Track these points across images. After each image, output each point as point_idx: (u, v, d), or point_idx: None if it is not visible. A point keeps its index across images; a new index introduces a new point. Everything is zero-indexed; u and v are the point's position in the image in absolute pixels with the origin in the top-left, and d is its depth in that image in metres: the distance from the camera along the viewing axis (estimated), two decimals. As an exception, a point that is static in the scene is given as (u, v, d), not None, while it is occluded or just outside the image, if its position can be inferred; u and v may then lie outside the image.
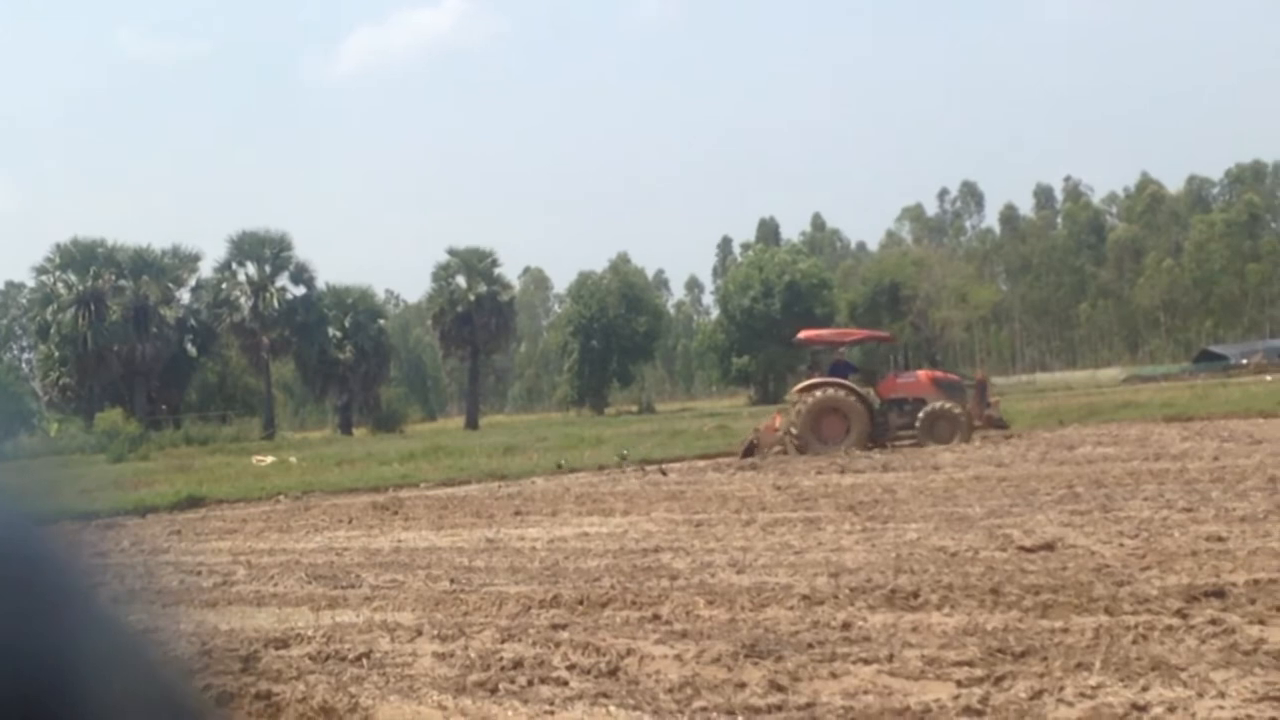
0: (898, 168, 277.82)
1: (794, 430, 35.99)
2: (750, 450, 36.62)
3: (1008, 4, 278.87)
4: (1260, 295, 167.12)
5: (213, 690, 8.14)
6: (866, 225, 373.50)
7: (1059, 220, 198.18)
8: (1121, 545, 13.33)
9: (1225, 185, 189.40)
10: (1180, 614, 9.61)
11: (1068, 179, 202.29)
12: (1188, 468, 21.86)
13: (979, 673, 8.40)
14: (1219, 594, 10.22)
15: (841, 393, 36.14)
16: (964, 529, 15.64)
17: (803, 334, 42.36)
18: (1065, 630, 9.46)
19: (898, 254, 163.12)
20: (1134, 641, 8.96)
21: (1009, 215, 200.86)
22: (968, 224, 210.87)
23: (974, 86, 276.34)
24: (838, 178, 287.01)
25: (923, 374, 37.56)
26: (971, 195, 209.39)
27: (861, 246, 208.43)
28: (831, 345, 40.23)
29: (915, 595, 11.15)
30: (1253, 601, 9.88)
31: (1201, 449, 25.98)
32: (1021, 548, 13.52)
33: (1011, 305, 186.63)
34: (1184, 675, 7.96)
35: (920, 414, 35.77)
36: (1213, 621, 9.28)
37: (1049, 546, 13.48)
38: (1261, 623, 9.23)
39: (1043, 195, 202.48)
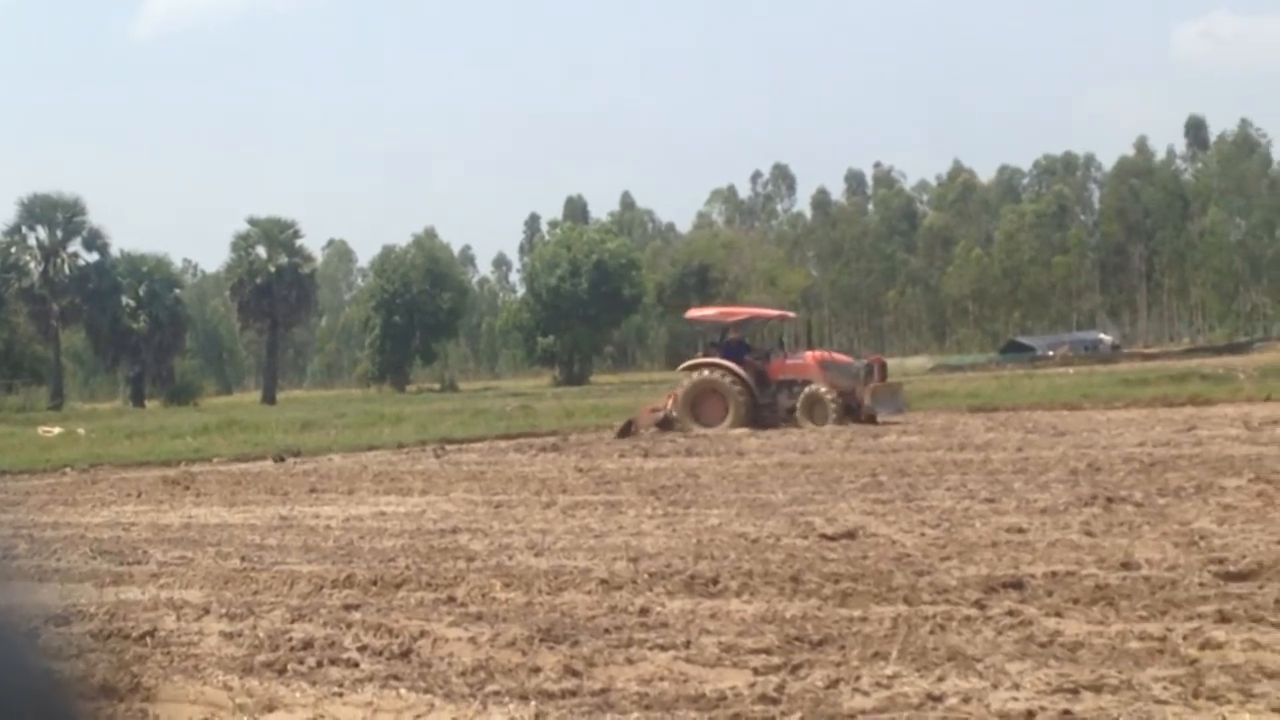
0: (711, 149, 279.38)
1: (673, 411, 35.96)
2: (627, 429, 36.36)
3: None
4: (1067, 287, 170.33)
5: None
6: (678, 206, 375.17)
7: (870, 206, 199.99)
8: (923, 535, 13.35)
9: (1035, 176, 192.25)
10: (978, 605, 9.60)
11: (877, 165, 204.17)
12: (991, 458, 22.01)
13: (776, 661, 8.33)
14: (1017, 585, 10.23)
15: (719, 374, 35.82)
16: (766, 516, 15.59)
17: (690, 312, 42.68)
18: (864, 619, 9.40)
19: (708, 236, 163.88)
20: (931, 631, 8.93)
21: (821, 200, 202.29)
22: (779, 207, 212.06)
23: (788, 69, 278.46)
24: (649, 158, 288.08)
25: (810, 355, 36.89)
26: (784, 178, 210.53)
27: (671, 228, 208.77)
28: (715, 324, 39.93)
29: (715, 582, 11.05)
30: (1050, 594, 9.90)
31: (1005, 440, 26.21)
32: (823, 535, 13.48)
33: (821, 291, 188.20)
34: (980, 666, 7.94)
35: (800, 396, 35.17)
36: (1010, 613, 9.28)
37: (850, 535, 13.46)
38: (1058, 615, 9.24)
39: (854, 180, 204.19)
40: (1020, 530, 13.28)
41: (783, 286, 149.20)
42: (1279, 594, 9.50)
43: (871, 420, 34.03)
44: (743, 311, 42.22)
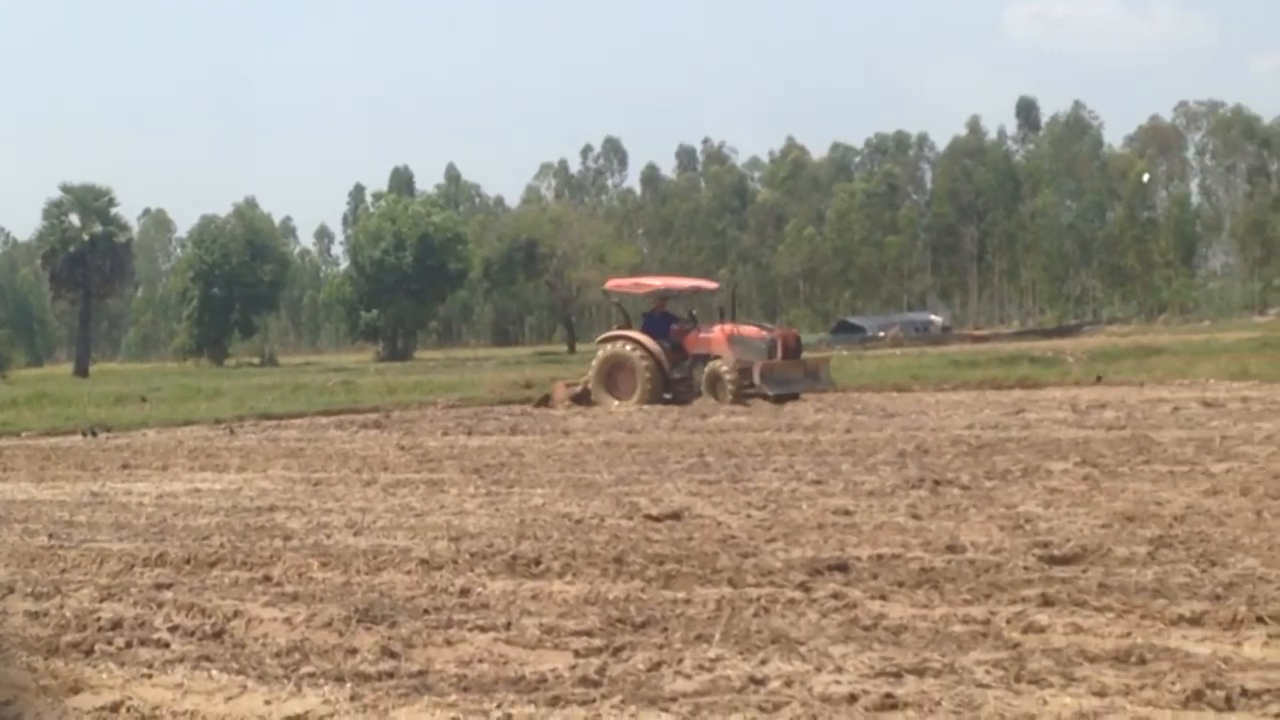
0: (541, 122, 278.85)
1: (588, 383, 35.68)
2: (544, 402, 36.28)
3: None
4: (899, 268, 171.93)
5: None
6: (507, 180, 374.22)
7: (702, 183, 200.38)
8: (749, 516, 13.29)
9: (867, 155, 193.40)
10: (803, 587, 9.56)
11: (708, 141, 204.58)
12: (819, 440, 22.03)
13: (598, 643, 8.25)
14: (842, 568, 10.20)
15: (628, 347, 35.31)
16: (591, 496, 15.48)
17: (609, 282, 41.94)
18: (687, 601, 9.33)
19: (536, 210, 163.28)
20: (755, 614, 8.88)
21: (651, 175, 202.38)
22: (610, 183, 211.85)
23: (620, 42, 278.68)
24: (478, 130, 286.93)
25: (720, 329, 35.63)
26: (615, 153, 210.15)
27: (500, 201, 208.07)
28: (630, 295, 39.74)
29: (537, 562, 10.94)
30: (875, 576, 9.87)
31: (834, 421, 26.26)
32: (648, 516, 13.39)
33: (651, 268, 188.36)
34: (803, 649, 7.89)
35: (705, 371, 34.57)
36: (835, 595, 9.24)
37: (676, 516, 13.37)
38: (883, 598, 9.21)
39: (685, 156, 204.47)
40: (847, 512, 13.25)
41: (612, 263, 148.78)
42: (1102, 578, 9.53)
43: (763, 398, 33.16)
44: (655, 282, 41.04)
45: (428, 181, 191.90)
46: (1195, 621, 8.25)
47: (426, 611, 9.31)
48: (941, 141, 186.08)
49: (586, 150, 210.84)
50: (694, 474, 17.52)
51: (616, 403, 34.52)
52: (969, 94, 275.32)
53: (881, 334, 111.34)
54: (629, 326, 36.81)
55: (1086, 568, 10.01)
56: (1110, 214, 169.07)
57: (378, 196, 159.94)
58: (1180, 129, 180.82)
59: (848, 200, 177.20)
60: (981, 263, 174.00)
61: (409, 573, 10.86)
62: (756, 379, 33.54)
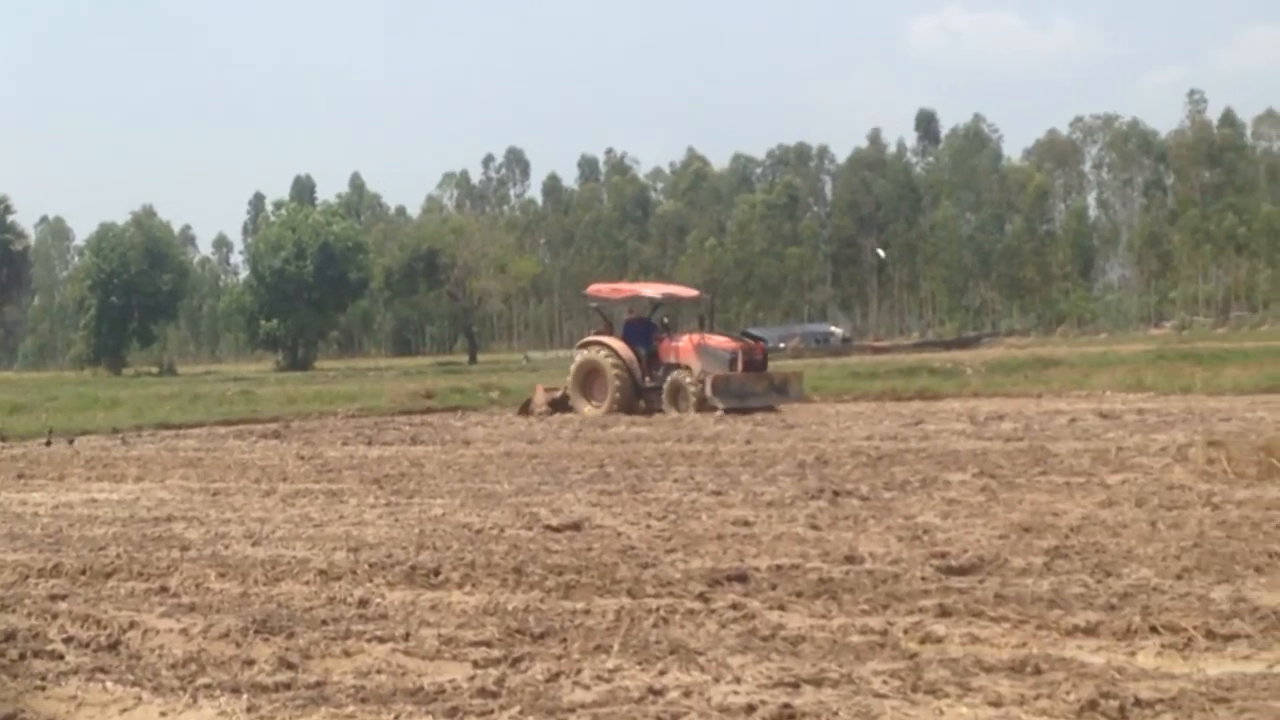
0: (444, 132, 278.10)
1: (566, 389, 35.62)
2: (526, 406, 36.21)
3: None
4: (799, 279, 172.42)
5: None
6: (409, 190, 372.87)
7: (604, 193, 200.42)
8: (648, 527, 13.31)
9: (769, 166, 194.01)
10: (702, 598, 9.57)
11: (609, 151, 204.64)
12: (720, 450, 22.10)
13: (496, 653, 8.23)
14: (741, 578, 10.22)
15: (601, 354, 35.20)
16: (491, 506, 15.45)
17: (590, 288, 41.24)
18: (587, 612, 9.33)
19: (437, 220, 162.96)
20: (654, 625, 8.89)
21: (553, 186, 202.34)
22: (512, 193, 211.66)
23: (522, 52, 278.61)
24: (381, 140, 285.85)
25: (689, 338, 35.30)
26: (517, 163, 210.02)
27: (402, 211, 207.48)
28: (609, 300, 39.44)
29: (436, 573, 10.92)
30: (774, 587, 9.91)
31: (734, 432, 26.33)
32: (548, 527, 13.39)
33: (552, 278, 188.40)
34: (702, 660, 7.88)
35: (666, 381, 34.40)
36: (734, 606, 9.26)
37: (576, 526, 13.37)
38: (781, 608, 9.25)
39: (587, 167, 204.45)
40: (746, 523, 13.29)
41: (513, 273, 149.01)
42: (998, 588, 9.60)
43: (714, 410, 32.35)
44: (626, 290, 41.01)
45: (330, 190, 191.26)
46: (1090, 632, 8.33)
47: (324, 622, 9.25)
48: (842, 153, 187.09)
49: (488, 160, 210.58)
50: (594, 484, 17.51)
51: (589, 408, 34.54)
52: (870, 106, 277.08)
53: (782, 345, 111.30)
54: (609, 332, 36.79)
55: (983, 578, 10.08)
56: (1009, 226, 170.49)
57: (279, 205, 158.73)
58: (1078, 143, 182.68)
59: (749, 211, 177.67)
60: (881, 274, 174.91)
61: (307, 583, 10.81)
62: (708, 390, 33.12)
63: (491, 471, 19.91)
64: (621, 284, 45.88)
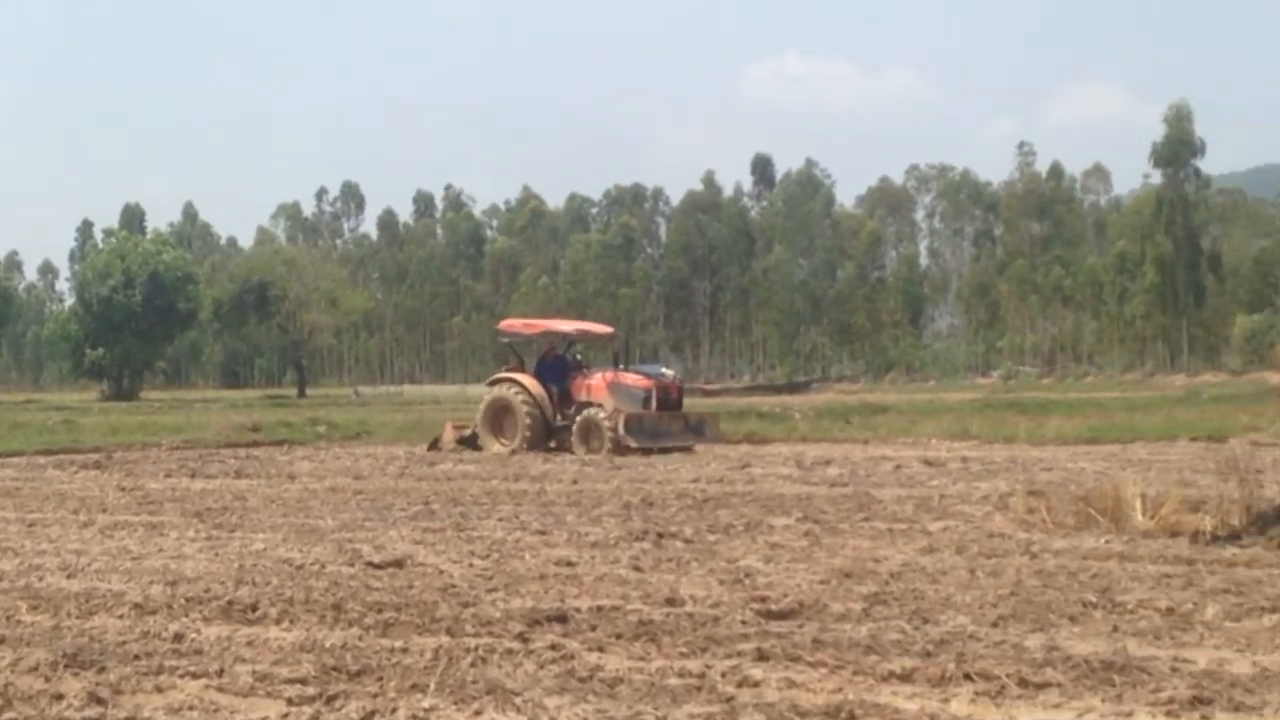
0: (278, 164, 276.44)
1: (475, 427, 34.74)
2: (435, 443, 35.34)
3: (394, 10, 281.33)
4: (632, 320, 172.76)
5: None
6: (241, 221, 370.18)
7: (439, 229, 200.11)
8: (471, 565, 13.24)
9: (604, 206, 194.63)
10: (521, 638, 9.53)
11: (448, 187, 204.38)
12: (546, 489, 22.04)
13: (311, 691, 8.13)
14: (561, 619, 10.18)
15: (512, 391, 34.36)
16: (313, 542, 15.30)
17: (502, 323, 40.39)
18: (405, 650, 9.25)
19: (269, 252, 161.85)
20: (473, 664, 8.82)
21: (388, 220, 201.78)
22: (346, 226, 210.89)
23: (356, 86, 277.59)
24: (213, 169, 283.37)
25: (602, 376, 34.62)
26: (352, 197, 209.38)
27: (233, 242, 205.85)
28: (521, 336, 38.46)
29: (254, 608, 10.79)
30: (594, 628, 9.88)
31: (561, 472, 26.28)
32: (370, 564, 13.28)
33: (384, 313, 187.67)
34: (518, 700, 7.86)
35: (577, 420, 33.50)
36: (553, 646, 9.22)
37: (398, 564, 13.27)
38: (600, 649, 9.22)
39: (423, 202, 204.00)
40: (569, 563, 13.26)
41: (344, 307, 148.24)
42: (817, 633, 9.64)
43: (628, 450, 31.70)
44: (540, 325, 39.69)
45: (162, 219, 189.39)
46: (905, 678, 8.38)
47: (137, 657, 9.10)
48: (677, 195, 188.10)
49: (321, 193, 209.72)
50: (419, 522, 17.41)
51: (499, 446, 33.75)
52: (706, 149, 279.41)
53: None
54: (521, 369, 36.02)
55: (803, 623, 10.12)
56: (841, 272, 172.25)
57: (108, 233, 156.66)
58: (910, 191, 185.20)
59: (583, 251, 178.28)
60: (714, 317, 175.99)
61: (121, 617, 10.62)
62: (620, 429, 32.36)
63: (316, 507, 19.73)
64: (534, 320, 45.18)
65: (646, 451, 31.65)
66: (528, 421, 33.74)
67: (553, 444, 33.97)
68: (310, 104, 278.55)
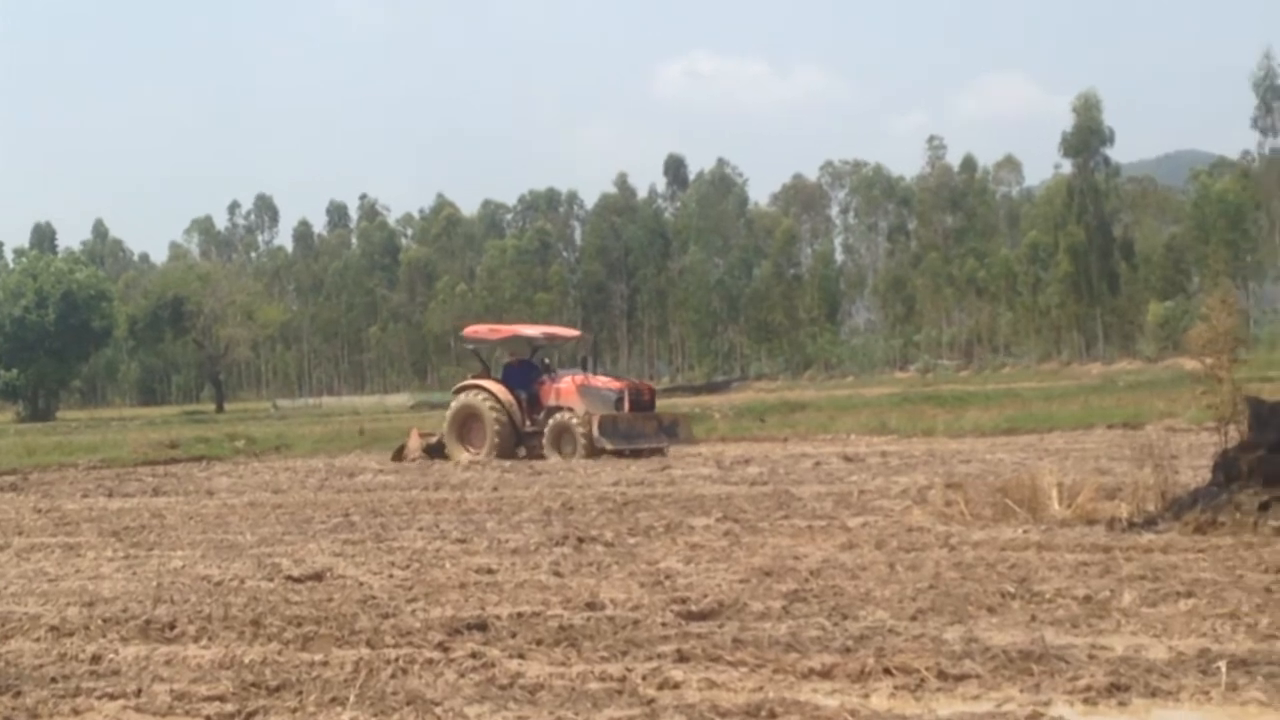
0: (190, 178, 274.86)
1: (442, 435, 34.19)
2: (400, 452, 34.75)
3: (302, 14, 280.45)
4: (549, 324, 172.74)
5: None
6: (154, 236, 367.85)
7: (354, 239, 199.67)
8: (391, 576, 13.18)
9: (519, 211, 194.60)
10: (441, 647, 9.49)
11: (364, 197, 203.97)
12: (466, 497, 21.98)
13: (230, 708, 8.12)
14: (482, 627, 10.16)
15: (479, 397, 33.75)
16: (232, 557, 15.18)
17: (466, 329, 39.37)
18: (325, 663, 9.21)
19: (183, 267, 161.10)
20: (393, 675, 8.80)
21: (303, 232, 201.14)
22: (261, 239, 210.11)
23: (267, 98, 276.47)
24: (123, 185, 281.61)
25: (572, 379, 34.09)
26: (266, 210, 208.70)
27: (146, 258, 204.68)
28: (486, 341, 37.81)
29: (172, 626, 10.71)
30: (514, 635, 9.87)
31: (482, 479, 26.20)
32: (289, 577, 13.21)
33: (301, 325, 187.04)
34: (439, 709, 7.86)
35: (548, 425, 33.00)
36: (473, 655, 9.19)
37: (318, 577, 13.21)
38: (521, 656, 9.21)
39: (337, 213, 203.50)
40: (489, 571, 13.23)
41: (260, 321, 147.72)
42: (737, 633, 9.67)
43: (603, 453, 31.53)
44: (506, 330, 38.92)
45: (72, 237, 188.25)
46: (825, 674, 8.41)
47: (54, 680, 9.02)
48: (591, 199, 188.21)
49: (234, 207, 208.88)
50: (338, 534, 17.31)
51: (467, 455, 33.25)
52: (619, 151, 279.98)
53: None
54: (486, 375, 35.46)
55: (723, 623, 10.13)
56: (757, 271, 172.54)
57: (19, 253, 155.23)
58: (825, 187, 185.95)
59: (499, 257, 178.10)
60: (631, 319, 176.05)
61: (38, 640, 10.51)
62: (594, 431, 31.92)
63: (235, 522, 19.59)
64: (499, 325, 44.46)
65: (621, 454, 31.40)
66: (496, 428, 33.30)
67: (522, 451, 33.57)
68: (220, 117, 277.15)
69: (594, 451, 31.65)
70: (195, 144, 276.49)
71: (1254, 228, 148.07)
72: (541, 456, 32.42)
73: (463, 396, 34.44)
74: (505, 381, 34.55)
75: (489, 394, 33.83)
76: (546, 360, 36.73)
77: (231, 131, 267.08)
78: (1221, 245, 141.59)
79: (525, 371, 34.96)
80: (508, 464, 31.08)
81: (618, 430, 32.50)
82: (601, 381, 34.46)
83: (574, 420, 32.54)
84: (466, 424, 34.10)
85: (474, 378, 35.73)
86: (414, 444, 34.91)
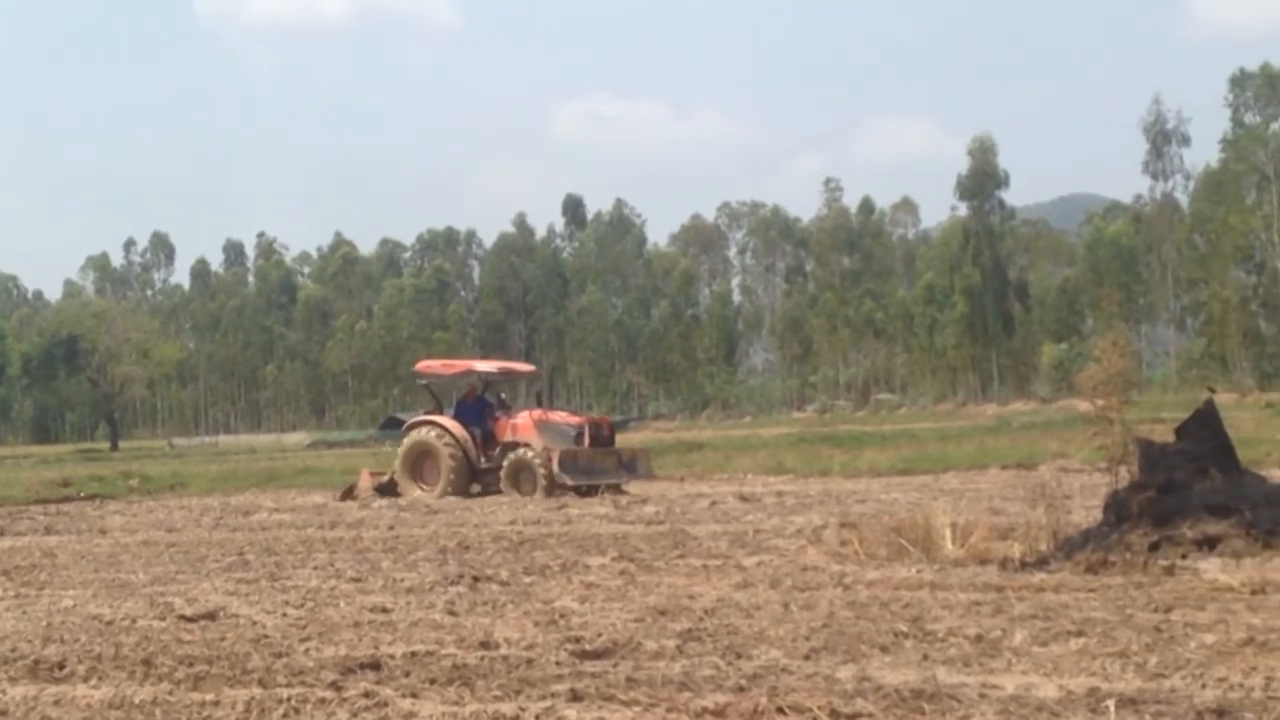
0: (84, 215, 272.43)
1: (394, 473, 33.28)
2: (350, 492, 33.71)
3: (197, 51, 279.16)
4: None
5: None
6: (48, 274, 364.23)
7: (251, 278, 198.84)
8: (285, 615, 13.10)
9: (417, 250, 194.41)
10: (334, 686, 9.42)
11: (261, 235, 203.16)
12: (362, 536, 21.86)
13: (119, 750, 7.99)
14: (375, 666, 10.09)
15: (434, 433, 32.94)
16: (124, 596, 15.04)
17: (419, 364, 38.49)
18: (216, 703, 9.12)
19: (78, 305, 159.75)
20: (285, 715, 8.74)
21: (200, 270, 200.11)
22: (157, 277, 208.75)
23: (165, 135, 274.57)
24: (18, 222, 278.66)
25: (528, 415, 33.40)
26: (162, 248, 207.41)
27: (40, 295, 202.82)
28: (439, 377, 37.06)
29: (61, 666, 10.59)
30: (407, 674, 9.81)
31: (378, 518, 26.09)
32: (182, 617, 13.09)
33: (198, 363, 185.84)
34: (331, 750, 7.78)
35: (506, 461, 32.16)
36: (366, 694, 9.13)
37: (211, 616, 13.10)
38: (414, 695, 9.16)
39: (234, 251, 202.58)
40: (384, 610, 13.16)
41: (156, 359, 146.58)
42: (631, 671, 9.65)
43: (564, 488, 30.96)
44: (460, 365, 38.03)
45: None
46: (718, 713, 8.40)
47: (-59, 721, 8.89)
48: (490, 238, 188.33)
49: (130, 244, 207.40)
50: (233, 572, 17.20)
51: (420, 492, 32.43)
52: (518, 191, 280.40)
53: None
54: (439, 411, 34.84)
55: (617, 662, 10.12)
56: (655, 311, 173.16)
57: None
58: (723, 228, 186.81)
59: (397, 296, 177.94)
60: (529, 358, 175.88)
61: (-75, 681, 10.38)
62: (555, 466, 31.15)
63: (127, 561, 19.43)
64: (454, 360, 43.64)
65: (579, 490, 30.89)
66: (451, 465, 32.48)
67: (476, 488, 32.67)
68: (115, 154, 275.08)
69: (553, 488, 31.07)
70: (90, 181, 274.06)
71: (1146, 271, 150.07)
72: (498, 493, 31.75)
73: (416, 433, 33.70)
74: (459, 417, 33.88)
75: (443, 430, 33.12)
76: (503, 395, 36.14)
77: (126, 168, 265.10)
78: (1114, 288, 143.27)
79: (479, 407, 34.22)
80: (404, 503, 30.93)
81: (578, 466, 31.74)
82: (560, 416, 34.11)
83: (533, 456, 31.83)
84: (420, 461, 33.33)
85: (426, 413, 35.22)
86: (365, 483, 34.07)
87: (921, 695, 8.56)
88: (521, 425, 32.96)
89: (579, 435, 32.50)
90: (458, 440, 32.88)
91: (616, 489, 31.93)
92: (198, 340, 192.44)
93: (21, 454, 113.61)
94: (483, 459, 33.02)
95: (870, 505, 24.30)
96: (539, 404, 35.50)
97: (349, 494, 33.84)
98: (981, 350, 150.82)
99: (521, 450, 32.19)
